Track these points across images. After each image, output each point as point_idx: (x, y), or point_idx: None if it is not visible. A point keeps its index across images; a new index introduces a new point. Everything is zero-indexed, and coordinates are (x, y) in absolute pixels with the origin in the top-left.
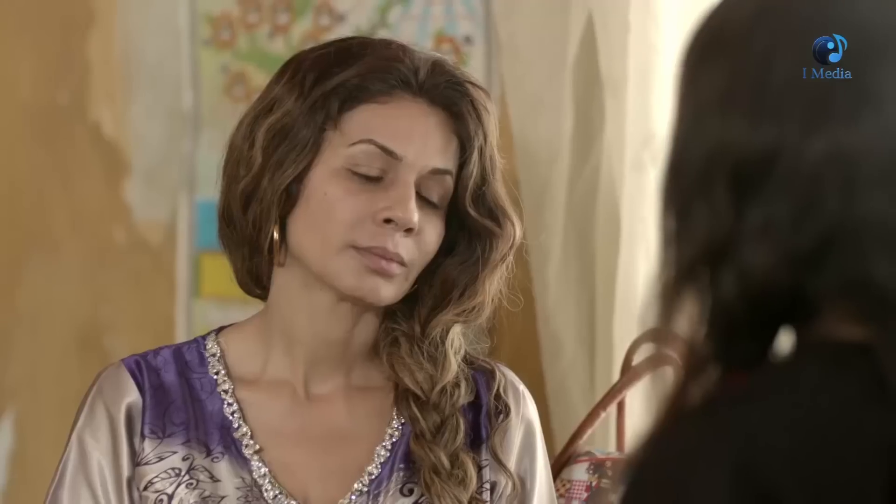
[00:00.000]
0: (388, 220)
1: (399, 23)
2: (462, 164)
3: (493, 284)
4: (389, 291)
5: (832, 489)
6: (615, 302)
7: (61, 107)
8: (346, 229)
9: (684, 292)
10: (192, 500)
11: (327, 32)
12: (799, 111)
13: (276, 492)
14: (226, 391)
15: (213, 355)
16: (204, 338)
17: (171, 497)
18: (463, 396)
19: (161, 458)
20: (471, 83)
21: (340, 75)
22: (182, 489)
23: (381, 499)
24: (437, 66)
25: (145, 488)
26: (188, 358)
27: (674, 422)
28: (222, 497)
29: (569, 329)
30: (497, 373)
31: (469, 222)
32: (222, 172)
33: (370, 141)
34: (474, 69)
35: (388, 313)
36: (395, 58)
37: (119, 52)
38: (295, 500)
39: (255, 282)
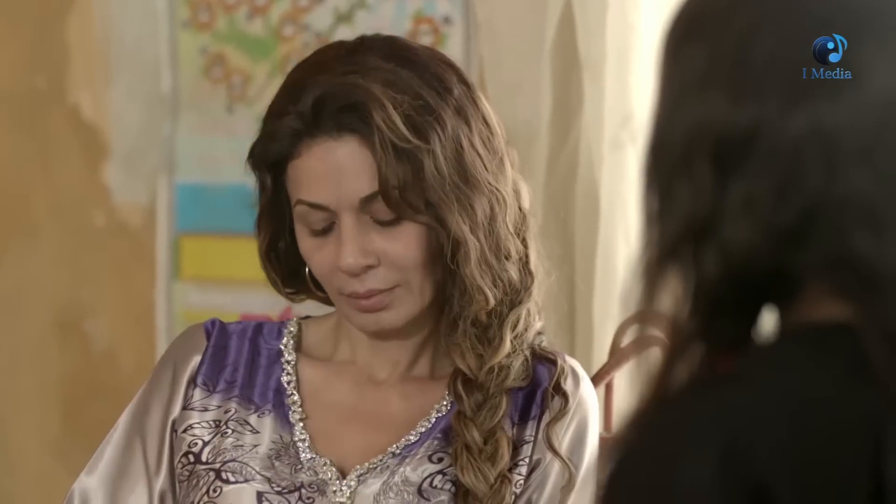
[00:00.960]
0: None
1: (378, 4)
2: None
3: (475, 270)
4: (394, 317)
5: (820, 471)
6: (595, 283)
7: (40, 91)
8: (328, 282)
9: (667, 270)
10: (223, 446)
11: (306, 13)
12: (780, 88)
13: (312, 455)
14: (288, 362)
15: (290, 332)
16: (292, 319)
17: (205, 444)
18: (513, 378)
19: (206, 409)
20: (353, 101)
21: (260, 146)
22: (217, 438)
23: (407, 460)
24: (321, 97)
25: (185, 430)
26: (266, 329)
27: (661, 403)
28: (255, 446)
29: (548, 310)
30: (559, 362)
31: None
32: None
33: (299, 202)
34: (453, 50)
35: (438, 294)
36: (283, 111)
37: (97, 35)
38: (327, 459)
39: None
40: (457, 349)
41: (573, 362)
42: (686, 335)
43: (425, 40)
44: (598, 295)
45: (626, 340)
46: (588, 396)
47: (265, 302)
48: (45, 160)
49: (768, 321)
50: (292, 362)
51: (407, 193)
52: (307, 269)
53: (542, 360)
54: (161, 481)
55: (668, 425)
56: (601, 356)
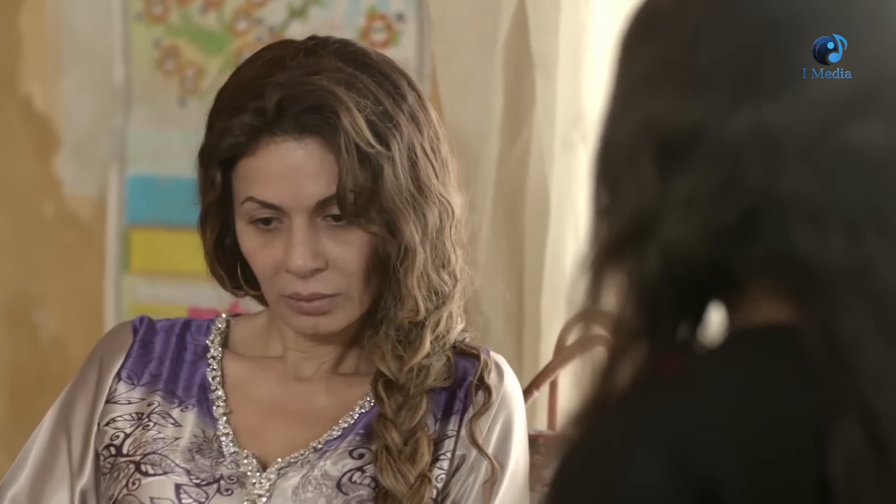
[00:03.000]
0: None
1: (332, 0)
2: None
3: (412, 281)
4: (332, 323)
5: (768, 468)
6: (543, 281)
7: None
8: (268, 281)
9: (611, 267)
10: (144, 439)
11: (259, 8)
12: (724, 87)
13: (235, 449)
14: (214, 357)
15: (218, 328)
16: (221, 316)
17: (127, 436)
18: (433, 378)
19: (129, 402)
20: (321, 103)
21: (211, 141)
22: (138, 430)
23: (327, 454)
24: (285, 96)
25: (107, 423)
26: (194, 326)
27: (606, 402)
28: (176, 439)
29: (496, 308)
30: (483, 357)
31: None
32: None
33: (249, 198)
34: (406, 47)
35: (374, 300)
36: (242, 107)
37: (50, 25)
38: (249, 451)
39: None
40: (377, 351)
41: (498, 357)
42: (629, 332)
43: (379, 37)
44: (546, 293)
45: (572, 339)
46: (513, 391)
47: (214, 295)
48: None
49: (716, 322)
50: (218, 358)
51: (363, 199)
52: (239, 268)
53: (466, 356)
54: (84, 480)
55: (614, 425)
56: (548, 354)
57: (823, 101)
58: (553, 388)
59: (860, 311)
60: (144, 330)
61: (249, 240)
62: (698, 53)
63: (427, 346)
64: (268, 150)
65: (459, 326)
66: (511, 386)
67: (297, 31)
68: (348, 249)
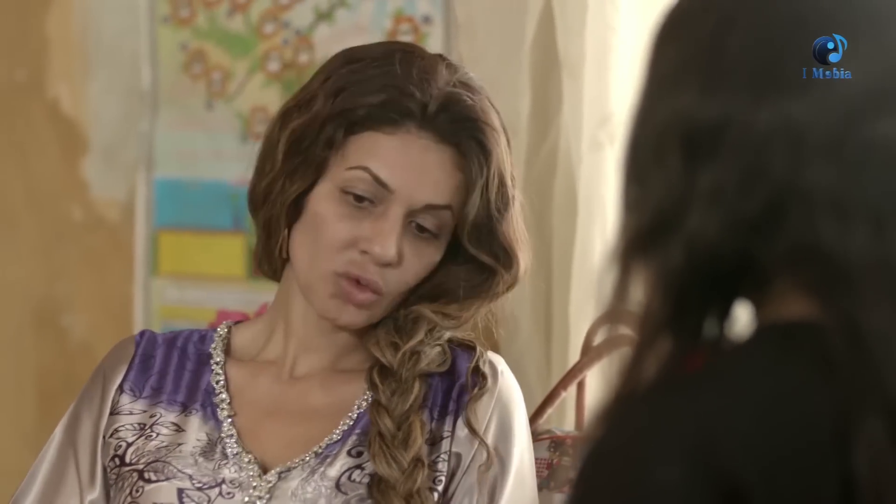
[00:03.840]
0: (366, 252)
1: (358, 2)
2: (462, 201)
3: (482, 310)
4: (358, 319)
5: (791, 467)
6: (571, 281)
7: (19, 84)
8: (329, 253)
9: (638, 259)
10: (147, 448)
11: (287, 11)
12: (750, 81)
13: (238, 450)
14: (217, 363)
15: (220, 335)
16: (223, 324)
17: (129, 445)
18: (427, 363)
19: (132, 413)
20: (480, 120)
21: (355, 98)
22: (141, 440)
23: (328, 459)
24: (449, 101)
25: (111, 435)
26: (197, 336)
27: (630, 400)
28: (179, 444)
29: (525, 308)
30: (478, 348)
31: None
32: (257, 156)
33: (365, 168)
34: (433, 49)
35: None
36: (408, 90)
37: (77, 29)
38: (252, 455)
39: (267, 264)
40: (373, 339)
41: (495, 357)
42: (655, 325)
43: (405, 39)
44: (574, 294)
45: (599, 339)
46: (509, 390)
47: (241, 298)
48: (23, 154)
49: (743, 319)
50: (221, 363)
51: (485, 227)
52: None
53: (461, 346)
54: (94, 494)
55: (638, 423)
56: (576, 355)
57: (849, 95)
58: (581, 388)
59: (885, 305)
60: (146, 344)
61: (332, 206)
62: (725, 48)
63: (422, 333)
64: (406, 137)
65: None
66: (507, 385)
67: (324, 34)
68: (418, 260)
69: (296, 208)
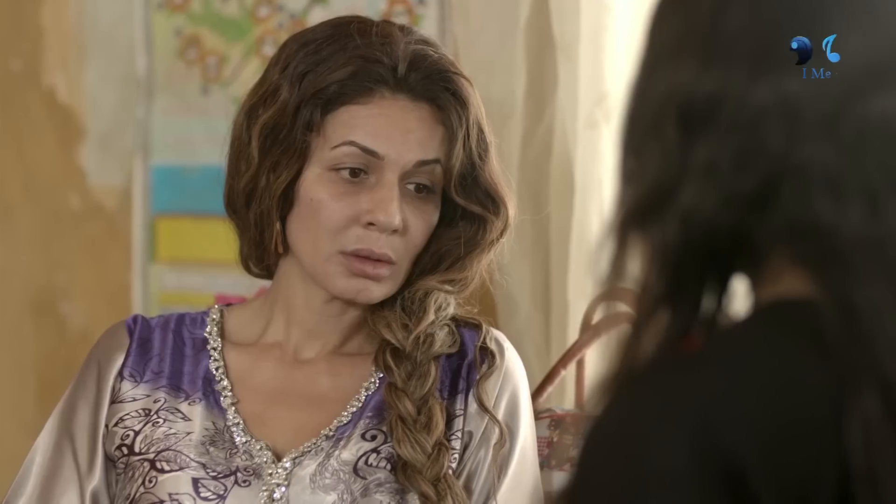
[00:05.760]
0: (371, 223)
1: None
2: (447, 154)
3: (483, 262)
4: (380, 291)
5: (790, 447)
6: (569, 260)
7: (15, 73)
8: (333, 234)
9: (634, 233)
10: (156, 436)
11: None
12: (747, 57)
13: (247, 438)
14: (214, 349)
15: (213, 319)
16: (214, 307)
17: (137, 433)
18: (440, 345)
19: (135, 399)
20: (451, 72)
21: (323, 77)
22: (148, 427)
23: (342, 443)
24: (416, 59)
25: (115, 424)
26: (189, 320)
27: (631, 378)
28: (188, 433)
29: (523, 288)
30: (484, 326)
31: (461, 207)
32: (226, 159)
33: (351, 143)
34: (427, 30)
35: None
36: (374, 57)
37: (72, 17)
38: (263, 442)
39: (257, 264)
40: (382, 321)
41: (498, 333)
42: (652, 301)
43: (400, 21)
44: (572, 272)
45: (598, 317)
46: (514, 366)
47: (239, 283)
48: (19, 142)
49: (742, 296)
50: (218, 349)
51: (469, 175)
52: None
53: (467, 325)
54: (94, 482)
55: (640, 404)
56: (575, 333)
57: (845, 73)
58: (580, 366)
59: (879, 281)
60: (140, 328)
61: (326, 188)
62: (723, 23)
63: (431, 314)
64: (382, 102)
65: (452, 299)
66: (513, 361)
67: (319, 17)
68: (421, 222)
69: (285, 200)
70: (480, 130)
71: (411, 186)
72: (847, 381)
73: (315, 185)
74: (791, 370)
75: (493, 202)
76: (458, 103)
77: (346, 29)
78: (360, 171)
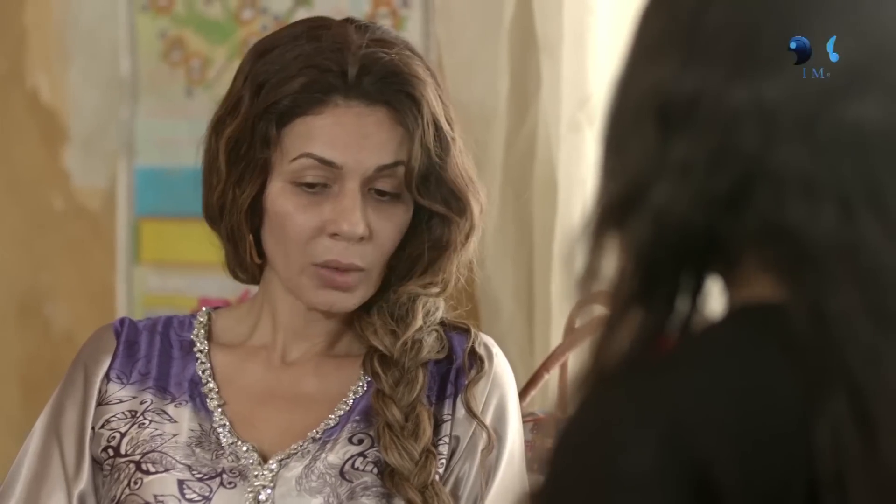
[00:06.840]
0: (336, 234)
1: None
2: (407, 154)
3: (456, 263)
4: (351, 301)
5: (761, 452)
6: (553, 263)
7: None
8: (302, 246)
9: (609, 230)
10: (142, 437)
11: None
12: (725, 57)
13: (233, 439)
14: (201, 351)
15: (201, 322)
16: (202, 310)
17: (123, 435)
18: (427, 351)
19: (121, 401)
20: (403, 73)
21: (275, 91)
22: (134, 429)
23: (328, 445)
24: (367, 63)
25: (102, 426)
26: (176, 322)
27: (604, 380)
28: (174, 435)
29: (506, 290)
30: (473, 331)
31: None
32: (202, 171)
33: (308, 155)
34: (411, 31)
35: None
36: (323, 66)
37: (55, 18)
38: (250, 444)
39: (242, 271)
40: (370, 327)
41: (487, 338)
42: (625, 299)
43: (384, 23)
44: (556, 276)
45: (581, 321)
46: (503, 372)
47: (223, 286)
48: (2, 143)
49: (717, 297)
50: (205, 351)
51: (431, 175)
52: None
53: (455, 329)
54: (82, 484)
55: (611, 408)
56: (559, 337)
57: (825, 75)
58: (563, 370)
59: (849, 287)
60: (127, 330)
61: (290, 201)
62: (704, 22)
63: (419, 320)
64: (336, 111)
65: (440, 303)
66: (502, 366)
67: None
68: (389, 225)
69: (255, 212)
70: (437, 128)
71: (374, 192)
72: (816, 386)
73: (279, 199)
74: (761, 375)
75: (457, 201)
76: (413, 103)
77: (299, 36)
78: (318, 185)
